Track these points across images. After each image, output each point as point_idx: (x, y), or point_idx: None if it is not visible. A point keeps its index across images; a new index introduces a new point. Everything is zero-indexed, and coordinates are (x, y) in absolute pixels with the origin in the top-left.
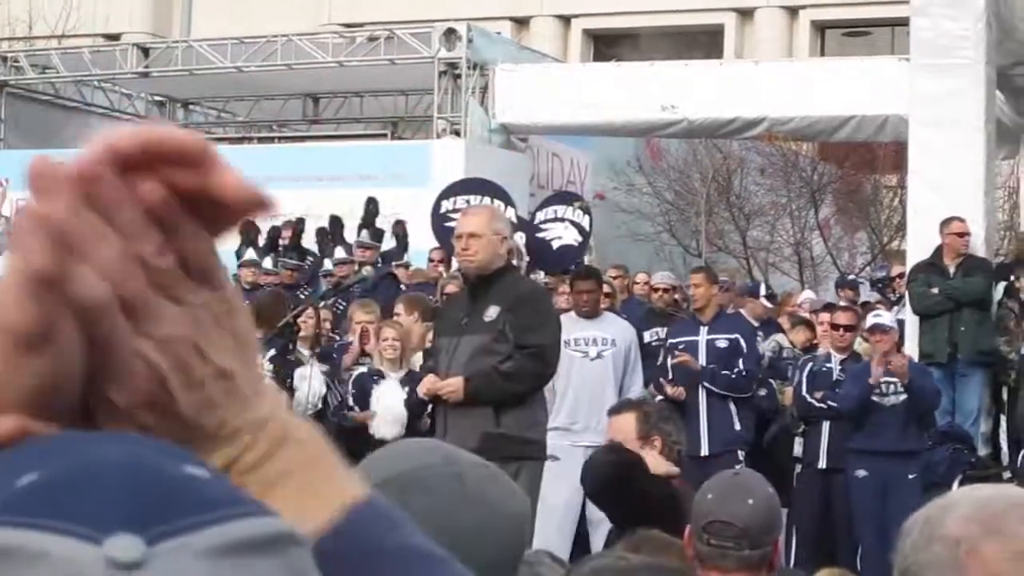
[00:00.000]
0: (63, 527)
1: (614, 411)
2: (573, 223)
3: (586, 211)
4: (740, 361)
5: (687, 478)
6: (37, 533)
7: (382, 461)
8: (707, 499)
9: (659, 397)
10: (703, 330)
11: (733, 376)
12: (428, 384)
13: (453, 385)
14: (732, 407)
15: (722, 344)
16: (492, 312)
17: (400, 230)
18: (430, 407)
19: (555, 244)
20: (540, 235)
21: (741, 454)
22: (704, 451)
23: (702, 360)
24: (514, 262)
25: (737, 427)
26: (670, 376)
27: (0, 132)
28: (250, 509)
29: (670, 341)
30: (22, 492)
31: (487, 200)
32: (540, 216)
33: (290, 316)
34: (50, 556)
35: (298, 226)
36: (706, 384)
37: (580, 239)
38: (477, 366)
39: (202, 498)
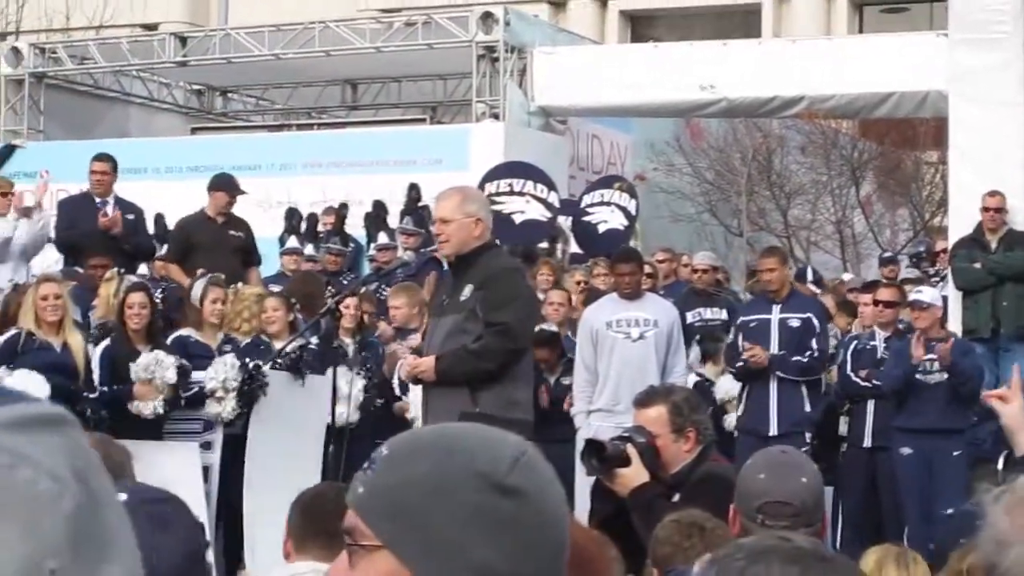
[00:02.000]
0: None
1: (642, 403)
2: (619, 207)
3: (632, 194)
4: (812, 341)
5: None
6: None
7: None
8: (759, 479)
9: (739, 363)
10: (776, 309)
11: (804, 360)
12: (406, 367)
13: (424, 365)
14: (803, 388)
15: (794, 323)
16: (467, 292)
17: None
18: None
19: (601, 228)
20: (586, 219)
21: (808, 436)
22: (772, 431)
23: (774, 339)
24: (558, 246)
25: (807, 408)
26: (741, 355)
27: (39, 123)
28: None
29: (741, 319)
30: None
31: (529, 184)
32: (587, 200)
33: (332, 303)
34: None
35: (340, 212)
36: (779, 373)
37: (626, 223)
38: (450, 346)
39: None
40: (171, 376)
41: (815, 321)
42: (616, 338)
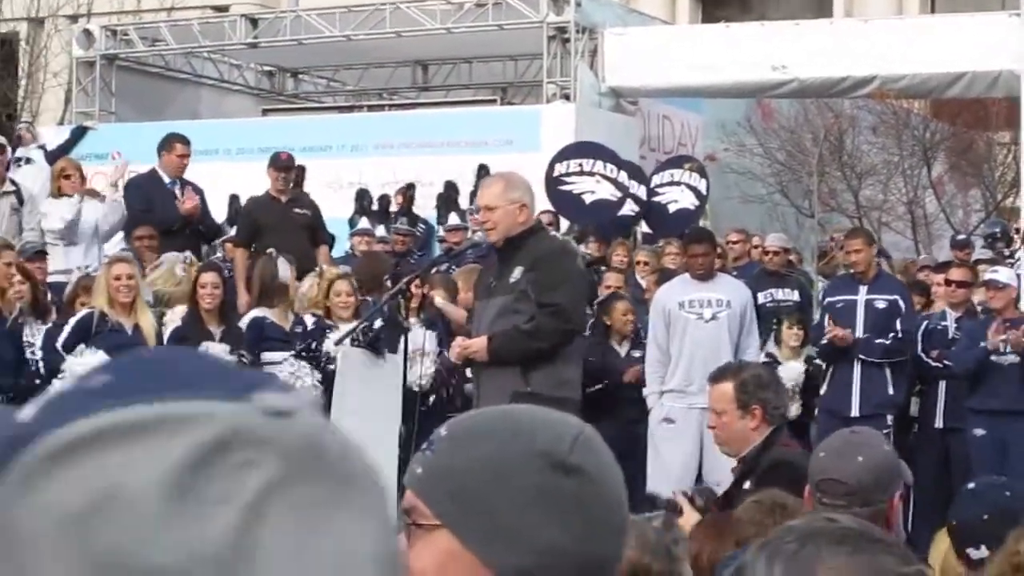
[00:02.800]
0: (210, 393)
1: (713, 379)
2: (689, 187)
3: (702, 174)
4: (898, 322)
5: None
6: (196, 401)
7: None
8: (819, 457)
9: (823, 340)
10: (862, 290)
11: (888, 343)
12: (457, 348)
13: (476, 346)
14: (887, 370)
15: (881, 305)
16: (516, 273)
17: None
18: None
19: (671, 208)
20: (656, 199)
21: (890, 418)
22: (854, 412)
23: (860, 319)
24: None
25: (890, 391)
26: (825, 337)
27: (111, 105)
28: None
29: (827, 300)
30: (156, 378)
31: (599, 164)
32: (656, 180)
33: (403, 283)
34: (217, 415)
35: (408, 192)
36: (862, 356)
37: (697, 203)
38: (501, 327)
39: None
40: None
41: (901, 303)
42: (689, 318)
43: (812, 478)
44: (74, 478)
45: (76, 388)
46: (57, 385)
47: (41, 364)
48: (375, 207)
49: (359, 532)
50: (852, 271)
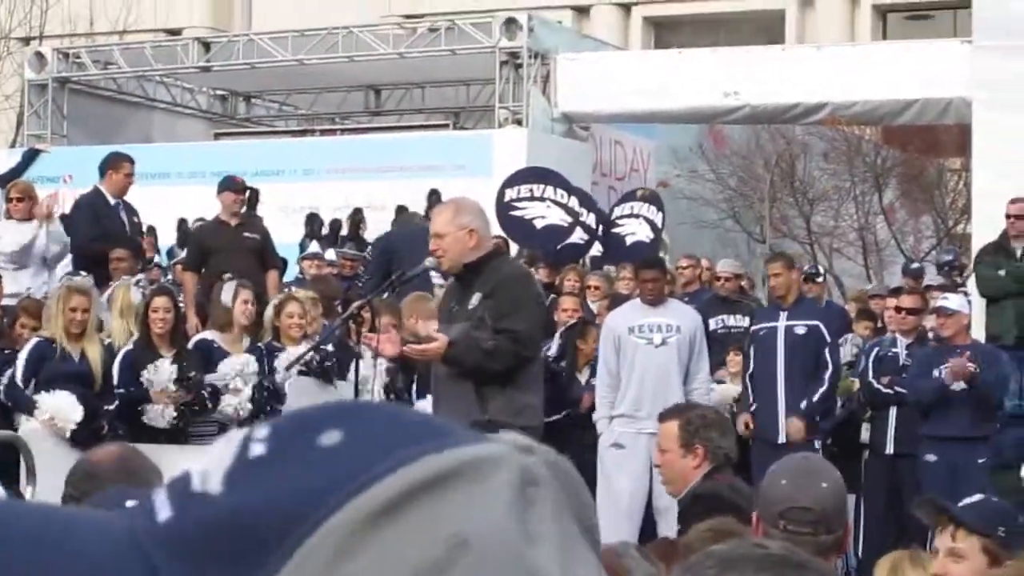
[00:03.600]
0: (442, 443)
1: (661, 418)
2: (646, 219)
3: (658, 206)
4: (826, 353)
5: (762, 465)
6: (479, 445)
7: None
8: (781, 485)
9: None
10: (782, 316)
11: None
12: (413, 349)
13: (436, 344)
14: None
15: (800, 331)
16: (474, 300)
17: None
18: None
19: (628, 240)
20: (616, 230)
21: (817, 443)
22: (781, 439)
23: (780, 346)
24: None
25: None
26: (751, 364)
27: (63, 128)
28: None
29: (753, 327)
30: (388, 435)
31: (550, 189)
32: (617, 211)
33: (354, 308)
34: (505, 458)
35: (354, 217)
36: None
37: (651, 236)
38: None
39: None
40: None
41: (823, 328)
42: (639, 343)
43: (772, 506)
44: (411, 531)
45: (305, 449)
46: (218, 450)
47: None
48: (325, 231)
49: (592, 564)
50: (775, 296)
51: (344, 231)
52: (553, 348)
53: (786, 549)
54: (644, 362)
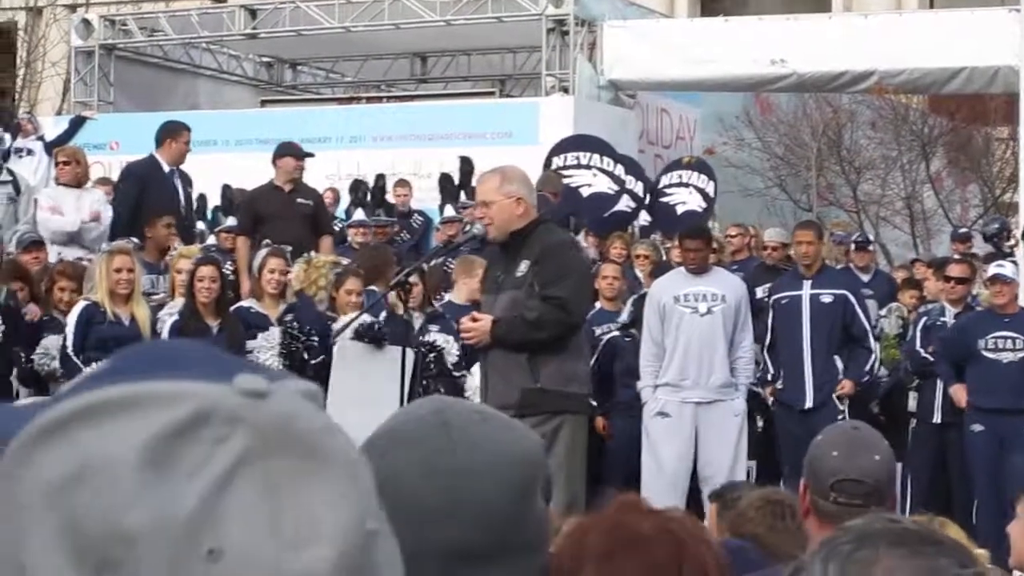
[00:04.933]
0: (194, 376)
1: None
2: (697, 188)
3: (709, 175)
4: (856, 325)
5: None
6: (177, 381)
7: (386, 421)
8: (832, 456)
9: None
10: (806, 284)
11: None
12: (462, 327)
13: (482, 324)
14: (837, 360)
15: (826, 299)
16: (523, 267)
17: None
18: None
19: (679, 209)
20: (664, 199)
21: (842, 405)
22: (808, 404)
23: (805, 315)
24: (638, 219)
25: (841, 378)
26: (771, 334)
27: (110, 95)
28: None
29: (773, 296)
30: (149, 363)
31: (596, 157)
32: (664, 180)
33: (403, 275)
34: (196, 394)
35: (378, 184)
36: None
37: (704, 205)
38: None
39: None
40: None
41: (851, 298)
42: (684, 312)
43: (823, 478)
44: (56, 451)
45: (83, 375)
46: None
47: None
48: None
49: (326, 503)
50: (802, 264)
51: (369, 198)
52: (624, 315)
53: (920, 526)
54: (689, 331)
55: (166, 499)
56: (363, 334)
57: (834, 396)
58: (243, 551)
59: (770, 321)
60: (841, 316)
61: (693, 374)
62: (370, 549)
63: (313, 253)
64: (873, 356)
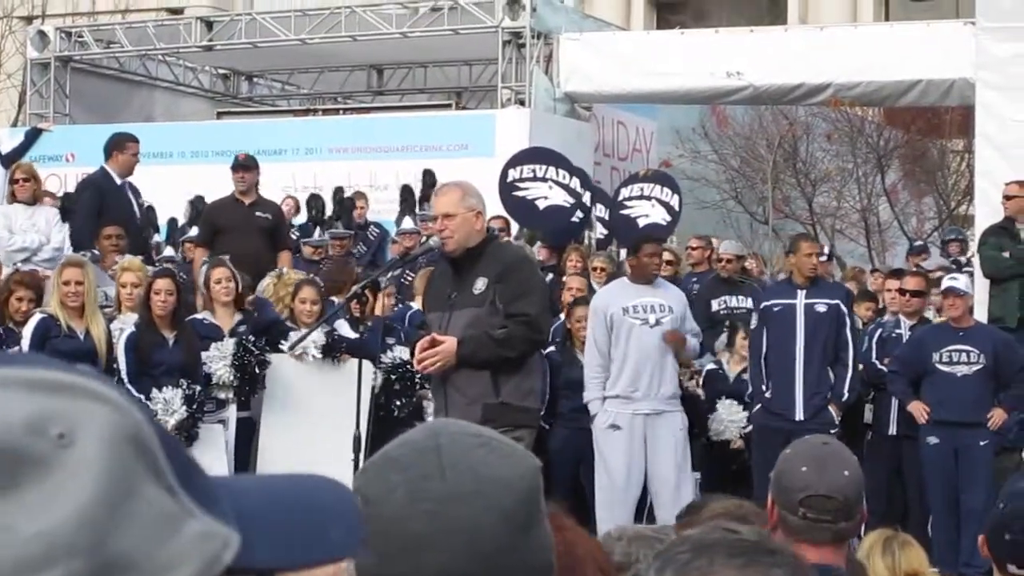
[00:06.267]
0: None
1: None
2: (661, 202)
3: (672, 188)
4: (846, 332)
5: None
6: None
7: (387, 444)
8: (801, 472)
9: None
10: (801, 294)
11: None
12: (420, 354)
13: (446, 347)
14: (830, 372)
15: (821, 309)
16: (480, 284)
17: None
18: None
19: (641, 221)
20: (625, 212)
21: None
22: (798, 416)
23: (800, 324)
24: (586, 232)
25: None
26: (763, 342)
27: (66, 107)
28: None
29: (764, 304)
30: None
31: (552, 170)
32: (625, 192)
33: (358, 288)
34: None
35: (335, 197)
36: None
37: (668, 218)
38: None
39: None
40: (180, 415)
41: (843, 308)
42: (633, 323)
43: (791, 493)
44: None
45: None
46: None
47: None
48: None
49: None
50: (804, 275)
51: (328, 211)
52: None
53: (758, 535)
54: (640, 342)
55: None
56: (330, 347)
57: (830, 409)
58: None
59: (763, 329)
60: (835, 326)
61: (644, 386)
62: None
63: (284, 268)
64: (848, 372)
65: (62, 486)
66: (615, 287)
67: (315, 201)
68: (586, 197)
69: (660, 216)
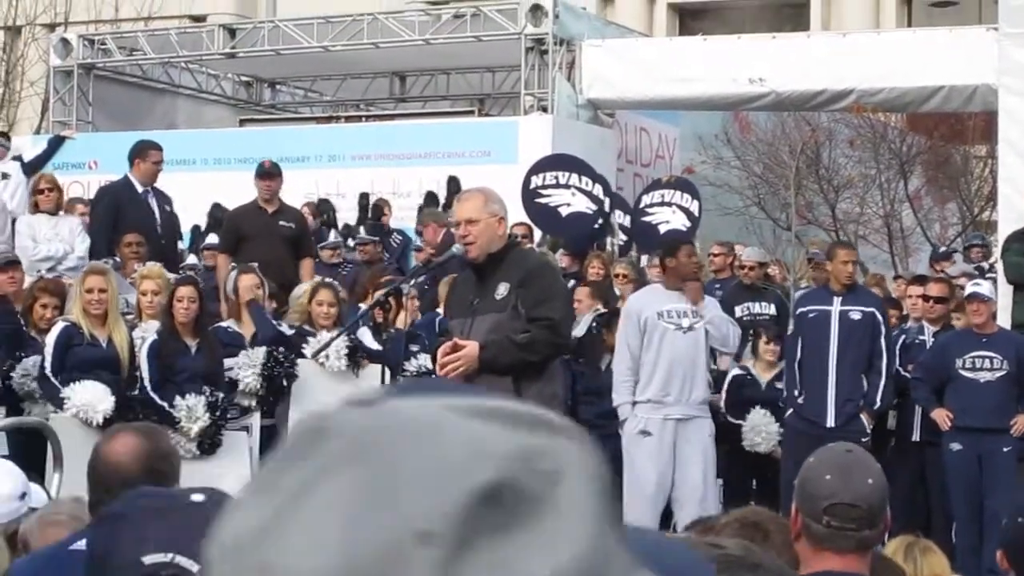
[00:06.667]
0: None
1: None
2: (681, 208)
3: (692, 194)
4: (882, 342)
5: (802, 448)
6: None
7: None
8: (826, 480)
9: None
10: (836, 301)
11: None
12: (442, 358)
13: (468, 351)
14: (864, 379)
15: (856, 316)
16: (502, 290)
17: None
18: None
19: (662, 228)
20: (646, 219)
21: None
22: (830, 423)
23: (834, 331)
24: (608, 239)
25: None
26: (798, 348)
27: (88, 115)
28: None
29: (799, 310)
30: None
31: (575, 177)
32: (646, 200)
33: (381, 294)
34: (314, 414)
35: (361, 203)
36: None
37: (688, 224)
38: None
39: None
40: (203, 422)
41: (879, 316)
42: (667, 328)
43: (816, 501)
44: None
45: None
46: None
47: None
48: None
49: (372, 520)
50: (841, 282)
51: (340, 215)
52: (579, 330)
53: (743, 549)
54: (673, 347)
55: (239, 521)
56: (352, 353)
57: (862, 417)
58: (295, 565)
59: (799, 336)
60: (870, 334)
61: (676, 391)
62: (408, 558)
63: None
64: (882, 380)
65: (559, 526)
66: (649, 292)
67: (324, 205)
68: (607, 204)
69: (680, 222)
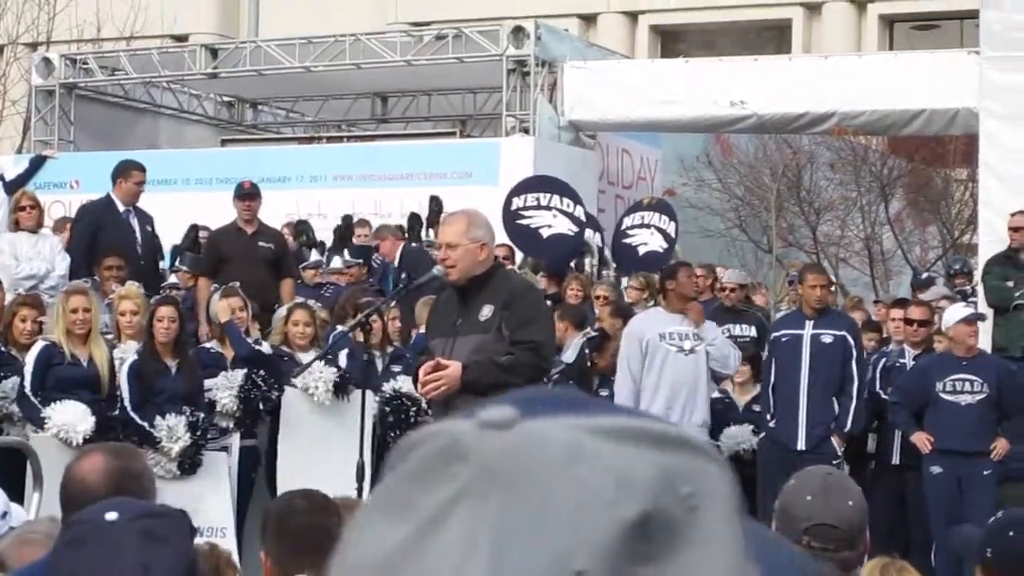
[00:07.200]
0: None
1: None
2: (659, 229)
3: (670, 215)
4: (852, 366)
5: (773, 470)
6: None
7: None
8: (806, 501)
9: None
10: (808, 324)
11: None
12: (423, 377)
13: (451, 371)
14: (835, 402)
15: (827, 340)
16: (486, 311)
17: None
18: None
19: (641, 250)
20: (626, 240)
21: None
22: (800, 446)
23: (805, 354)
24: (587, 261)
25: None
26: (771, 371)
27: (70, 134)
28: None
29: (773, 334)
30: None
31: (556, 198)
32: (627, 222)
33: (362, 316)
34: (444, 431)
35: (344, 223)
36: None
37: (666, 245)
38: None
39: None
40: (184, 442)
41: (850, 339)
42: (669, 350)
43: (795, 522)
44: None
45: None
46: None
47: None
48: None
49: (521, 553)
50: (811, 306)
51: (317, 235)
52: (569, 354)
53: None
54: (674, 369)
55: (375, 540)
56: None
57: (833, 439)
58: None
59: (772, 359)
60: (840, 358)
61: (677, 413)
62: None
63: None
64: (853, 403)
65: (704, 555)
66: (651, 315)
67: (303, 226)
68: (586, 227)
69: (658, 244)
